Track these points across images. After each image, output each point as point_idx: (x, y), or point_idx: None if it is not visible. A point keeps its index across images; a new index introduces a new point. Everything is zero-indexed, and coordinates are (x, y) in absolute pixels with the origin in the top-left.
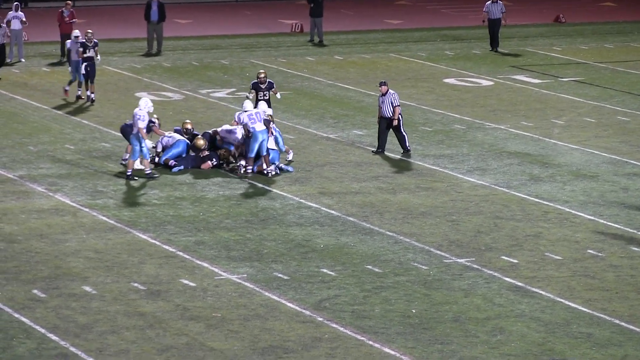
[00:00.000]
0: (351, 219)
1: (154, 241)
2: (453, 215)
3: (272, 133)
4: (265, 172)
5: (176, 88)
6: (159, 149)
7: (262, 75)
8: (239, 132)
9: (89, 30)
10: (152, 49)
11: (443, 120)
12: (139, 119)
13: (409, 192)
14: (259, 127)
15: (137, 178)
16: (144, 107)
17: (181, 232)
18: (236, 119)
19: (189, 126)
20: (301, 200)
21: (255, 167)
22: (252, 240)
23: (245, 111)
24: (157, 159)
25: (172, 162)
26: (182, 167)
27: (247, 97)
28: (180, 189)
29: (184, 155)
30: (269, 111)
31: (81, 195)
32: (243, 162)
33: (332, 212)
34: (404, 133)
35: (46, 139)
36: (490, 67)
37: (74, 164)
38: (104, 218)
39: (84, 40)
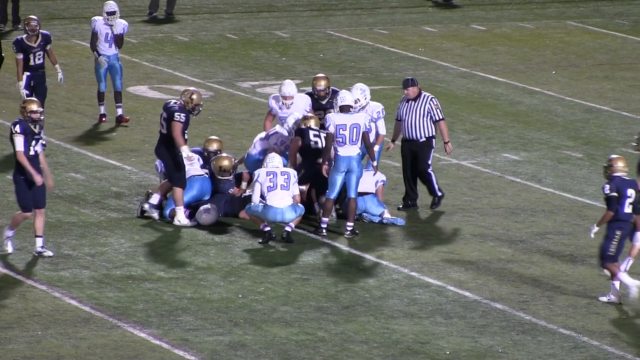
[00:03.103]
0: (498, 305)
1: (158, 342)
2: None
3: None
4: (319, 229)
5: (199, 78)
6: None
7: (322, 86)
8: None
9: (32, 17)
10: (157, 10)
11: None
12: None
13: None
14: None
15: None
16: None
17: (205, 326)
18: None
19: (215, 146)
20: (412, 274)
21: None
22: (327, 341)
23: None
24: (146, 207)
25: (185, 213)
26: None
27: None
28: (203, 253)
29: (206, 198)
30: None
31: (34, 262)
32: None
33: (467, 294)
34: (430, 170)
35: None
36: None
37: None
38: (74, 302)
39: (30, 39)
